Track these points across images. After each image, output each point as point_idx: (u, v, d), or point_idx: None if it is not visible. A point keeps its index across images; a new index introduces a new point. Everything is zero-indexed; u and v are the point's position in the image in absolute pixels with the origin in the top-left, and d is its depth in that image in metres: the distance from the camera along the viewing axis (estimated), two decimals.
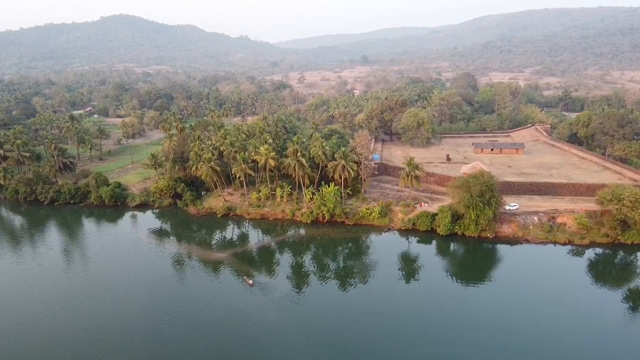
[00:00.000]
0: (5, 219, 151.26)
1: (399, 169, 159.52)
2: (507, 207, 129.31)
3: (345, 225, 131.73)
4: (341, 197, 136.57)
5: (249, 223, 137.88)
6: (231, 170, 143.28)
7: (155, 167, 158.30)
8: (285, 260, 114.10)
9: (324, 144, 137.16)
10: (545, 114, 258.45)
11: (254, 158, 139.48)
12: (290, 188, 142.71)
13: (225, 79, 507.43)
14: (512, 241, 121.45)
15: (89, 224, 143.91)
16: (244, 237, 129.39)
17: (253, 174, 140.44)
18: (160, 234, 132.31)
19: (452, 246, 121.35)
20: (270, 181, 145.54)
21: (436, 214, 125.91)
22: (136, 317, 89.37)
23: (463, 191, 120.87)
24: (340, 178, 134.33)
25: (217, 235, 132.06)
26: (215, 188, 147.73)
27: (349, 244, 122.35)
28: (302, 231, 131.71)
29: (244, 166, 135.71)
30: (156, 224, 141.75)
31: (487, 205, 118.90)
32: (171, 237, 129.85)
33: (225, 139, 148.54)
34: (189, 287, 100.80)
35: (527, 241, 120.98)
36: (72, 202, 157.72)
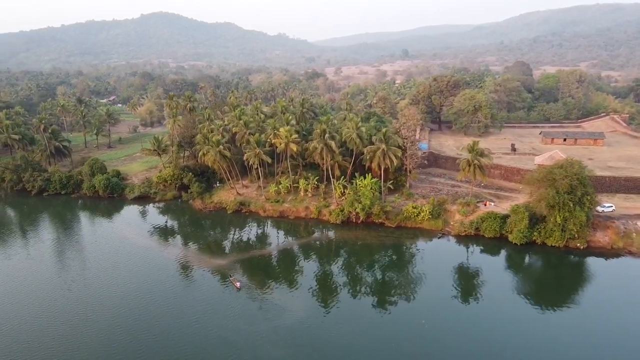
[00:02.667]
0: None
1: (453, 160, 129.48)
2: (600, 209, 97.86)
3: (385, 228, 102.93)
4: (380, 192, 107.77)
5: (264, 222, 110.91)
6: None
7: (159, 153, 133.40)
8: (307, 270, 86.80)
9: (359, 124, 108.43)
10: (620, 103, 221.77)
11: (273, 141, 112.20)
12: (316, 180, 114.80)
13: (259, 71, 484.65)
14: (610, 253, 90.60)
15: (73, 219, 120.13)
16: (256, 239, 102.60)
17: (270, 160, 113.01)
18: (153, 232, 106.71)
19: (528, 258, 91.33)
20: (292, 172, 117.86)
21: (507, 216, 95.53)
22: (112, 329, 63.61)
23: (546, 186, 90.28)
24: (380, 168, 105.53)
25: (223, 236, 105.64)
26: (229, 180, 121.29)
27: (390, 252, 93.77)
28: (330, 233, 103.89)
29: (258, 150, 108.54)
30: (153, 220, 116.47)
31: (578, 205, 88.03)
32: (166, 238, 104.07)
33: (240, 119, 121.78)
34: (169, 303, 74.41)
35: (631, 254, 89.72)
36: (63, 192, 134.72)
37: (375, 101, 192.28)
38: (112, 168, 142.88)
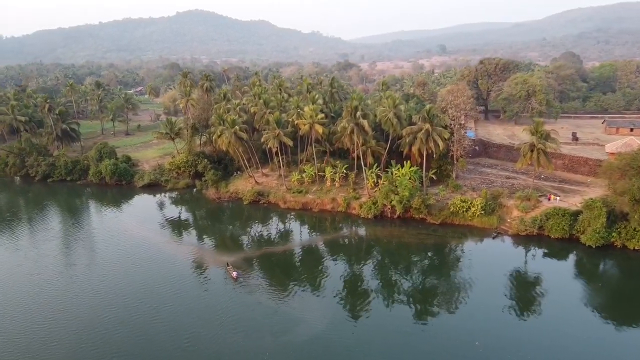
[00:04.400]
0: None
1: (507, 148, 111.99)
2: None
3: (426, 224, 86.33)
4: (421, 183, 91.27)
5: (284, 214, 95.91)
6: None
7: (172, 137, 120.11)
8: (332, 272, 71.12)
9: (397, 101, 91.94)
10: None
11: (295, 122, 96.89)
12: (345, 168, 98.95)
13: (290, 65, 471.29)
14: None
15: (75, 209, 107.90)
16: (274, 234, 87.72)
17: (291, 143, 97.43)
18: (160, 224, 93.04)
19: (604, 265, 73.91)
20: (317, 159, 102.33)
21: (579, 213, 77.67)
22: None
23: (630, 175, 72.34)
24: (421, 155, 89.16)
25: (237, 230, 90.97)
26: (246, 168, 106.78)
27: (431, 254, 77.50)
28: (360, 230, 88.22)
29: (278, 131, 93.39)
30: (161, 210, 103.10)
31: None
32: (173, 230, 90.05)
33: (260, 98, 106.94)
34: (161, 307, 60.05)
35: None
36: (68, 179, 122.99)
37: (412, 90, 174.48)
38: (124, 154, 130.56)
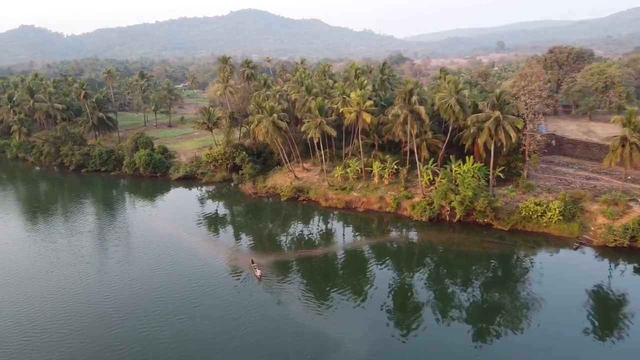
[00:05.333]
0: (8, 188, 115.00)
1: (585, 145, 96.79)
2: None
3: (492, 230, 73.17)
4: (487, 182, 78.15)
5: (325, 213, 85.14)
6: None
7: (210, 127, 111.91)
8: (378, 281, 60.05)
9: (459, 86, 79.03)
10: None
11: (340, 110, 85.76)
12: (396, 164, 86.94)
13: (340, 61, 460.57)
14: None
15: (105, 201, 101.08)
16: (313, 234, 77.19)
17: (334, 133, 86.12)
18: (191, 219, 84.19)
19: None
20: (364, 152, 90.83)
21: None
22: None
23: None
24: (486, 149, 76.24)
25: (271, 229, 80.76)
26: (286, 161, 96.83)
27: (497, 265, 64.71)
28: (412, 234, 76.15)
29: (320, 120, 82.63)
30: (194, 205, 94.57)
31: None
32: (204, 227, 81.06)
33: (302, 84, 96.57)
34: (184, 311, 50.42)
35: None
36: (103, 169, 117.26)
37: (475, 76, 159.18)
38: (161, 145, 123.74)
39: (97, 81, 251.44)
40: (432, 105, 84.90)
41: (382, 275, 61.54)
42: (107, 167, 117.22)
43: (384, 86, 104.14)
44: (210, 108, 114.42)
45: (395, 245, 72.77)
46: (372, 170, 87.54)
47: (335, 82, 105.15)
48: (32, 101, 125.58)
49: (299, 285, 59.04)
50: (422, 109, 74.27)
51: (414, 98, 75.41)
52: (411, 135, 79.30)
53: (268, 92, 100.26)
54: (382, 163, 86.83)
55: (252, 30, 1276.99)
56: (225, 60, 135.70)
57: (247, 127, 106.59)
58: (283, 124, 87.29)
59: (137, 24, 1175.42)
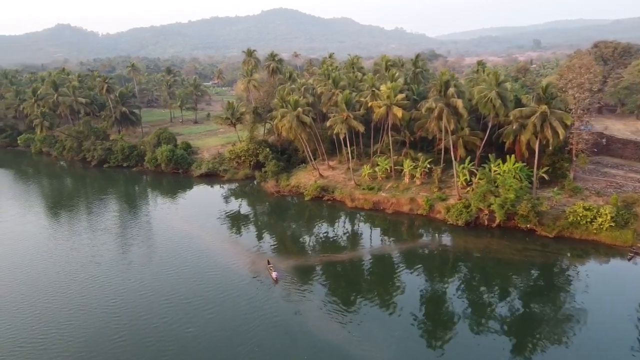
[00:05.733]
0: (25, 182, 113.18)
1: (636, 145, 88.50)
2: None
3: (535, 237, 66.25)
4: (530, 184, 71.06)
5: (352, 215, 79.48)
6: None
7: (233, 123, 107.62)
8: (408, 289, 54.52)
9: (501, 78, 72.13)
10: None
11: (369, 104, 79.80)
12: (428, 162, 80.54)
13: (370, 59, 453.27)
14: None
15: (122, 196, 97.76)
16: (338, 237, 71.59)
17: (362, 128, 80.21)
18: (206, 219, 79.99)
19: None
20: (394, 150, 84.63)
21: None
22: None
23: None
24: (529, 148, 69.36)
25: (293, 230, 75.53)
26: (311, 159, 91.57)
27: (539, 276, 58.31)
28: (446, 239, 69.87)
29: (347, 114, 76.95)
30: (212, 204, 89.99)
31: None
32: (219, 228, 76.32)
33: (329, 77, 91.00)
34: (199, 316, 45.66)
35: None
36: (125, 164, 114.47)
37: (514, 71, 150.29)
38: (184, 141, 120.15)
39: (127, 78, 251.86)
40: (470, 100, 78.24)
41: (413, 285, 55.67)
42: (129, 162, 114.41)
43: (417, 79, 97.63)
44: (234, 103, 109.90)
45: (427, 251, 66.53)
46: (402, 170, 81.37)
47: (364, 74, 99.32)
48: (56, 95, 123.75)
49: (320, 293, 53.70)
50: (459, 102, 67.74)
51: (451, 90, 68.93)
52: (446, 131, 72.85)
53: (293, 86, 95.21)
54: (413, 161, 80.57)
55: (283, 29, 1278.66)
56: (250, 53, 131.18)
57: (272, 122, 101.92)
58: (307, 119, 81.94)
59: (170, 23, 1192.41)
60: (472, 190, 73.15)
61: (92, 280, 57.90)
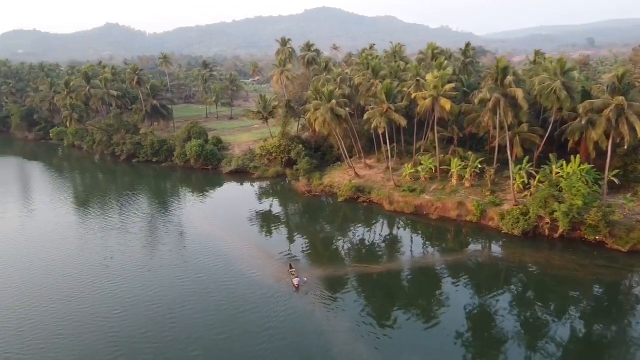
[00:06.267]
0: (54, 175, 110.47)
1: None
2: None
3: (605, 250, 56.31)
4: (599, 187, 61.02)
5: (390, 219, 71.23)
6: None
7: (265, 117, 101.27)
8: (453, 307, 46.20)
9: (566, 66, 62.31)
10: None
11: (413, 95, 71.23)
12: (479, 162, 71.27)
13: (414, 55, 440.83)
14: None
15: (147, 193, 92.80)
16: (374, 244, 63.76)
17: (404, 122, 71.40)
18: (231, 220, 73.77)
19: None
20: (440, 148, 75.69)
21: None
22: None
23: None
24: (596, 147, 59.39)
25: (324, 234, 68.01)
26: (346, 156, 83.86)
27: (606, 295, 49.39)
28: (498, 249, 60.89)
29: (386, 105, 68.78)
30: (239, 204, 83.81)
31: None
32: (244, 230, 69.37)
33: (368, 67, 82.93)
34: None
35: None
36: (154, 159, 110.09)
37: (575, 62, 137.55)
38: (215, 136, 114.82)
39: (164, 72, 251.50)
40: (528, 92, 68.59)
41: (459, 302, 47.20)
42: (159, 157, 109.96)
43: (467, 70, 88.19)
44: (267, 96, 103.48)
45: (477, 264, 57.54)
46: (449, 170, 72.49)
47: (407, 63, 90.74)
48: (87, 87, 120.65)
49: (351, 310, 45.97)
50: (519, 92, 58.38)
51: (509, 78, 59.69)
52: (501, 127, 63.60)
53: (328, 76, 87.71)
54: (462, 161, 71.57)
55: (326, 28, 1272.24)
56: (284, 42, 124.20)
57: (305, 117, 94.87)
58: (342, 112, 74.05)
59: (215, 23, 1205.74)
60: (530, 194, 63.73)
61: (95, 285, 52.08)
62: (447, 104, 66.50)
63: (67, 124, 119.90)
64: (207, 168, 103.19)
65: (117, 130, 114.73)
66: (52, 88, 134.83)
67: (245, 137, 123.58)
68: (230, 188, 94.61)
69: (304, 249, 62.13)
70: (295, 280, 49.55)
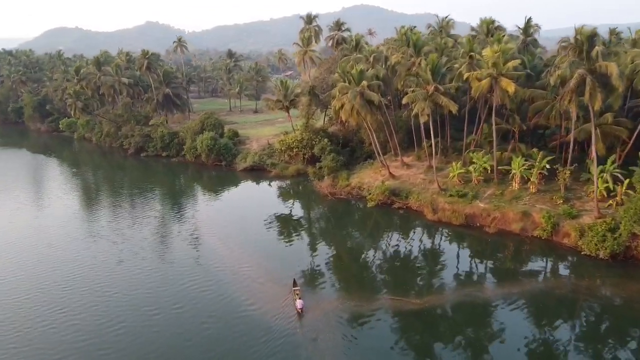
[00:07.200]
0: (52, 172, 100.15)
1: None
2: None
3: None
4: None
5: (433, 231, 56.93)
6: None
7: (285, 106, 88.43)
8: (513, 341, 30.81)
9: None
10: None
11: (465, 76, 56.53)
12: (547, 162, 55.85)
13: None
14: None
15: (149, 193, 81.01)
16: (410, 267, 49.44)
17: (455, 108, 56.68)
18: (240, 231, 60.28)
19: None
20: (497, 143, 60.53)
21: None
22: None
23: None
24: None
25: (348, 251, 54.19)
26: (379, 153, 69.69)
27: None
28: (580, 276, 45.73)
29: (433, 86, 54.42)
30: (249, 208, 70.89)
31: None
32: (249, 243, 56.04)
33: (408, 44, 68.60)
34: None
35: None
36: (164, 154, 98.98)
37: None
38: (232, 129, 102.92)
39: (199, 66, 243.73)
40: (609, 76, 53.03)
41: (526, 344, 32.87)
42: (169, 152, 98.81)
43: (529, 50, 72.66)
44: (288, 82, 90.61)
45: (549, 297, 42.56)
46: (509, 171, 57.55)
47: (456, 40, 75.80)
48: (98, 74, 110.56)
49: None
50: (613, 67, 43.09)
51: (597, 49, 44.42)
52: (577, 117, 48.40)
53: (359, 55, 73.97)
54: (526, 160, 56.51)
55: (364, 25, 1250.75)
56: (310, 20, 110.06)
57: (330, 106, 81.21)
58: (375, 97, 59.95)
59: (253, 21, 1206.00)
60: (617, 204, 48.47)
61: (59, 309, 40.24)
62: (510, 86, 51.52)
63: (72, 113, 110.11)
64: (221, 164, 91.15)
65: (126, 121, 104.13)
66: (64, 77, 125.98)
67: (266, 131, 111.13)
68: (243, 189, 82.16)
69: (318, 269, 48.44)
70: (299, 303, 38.48)
